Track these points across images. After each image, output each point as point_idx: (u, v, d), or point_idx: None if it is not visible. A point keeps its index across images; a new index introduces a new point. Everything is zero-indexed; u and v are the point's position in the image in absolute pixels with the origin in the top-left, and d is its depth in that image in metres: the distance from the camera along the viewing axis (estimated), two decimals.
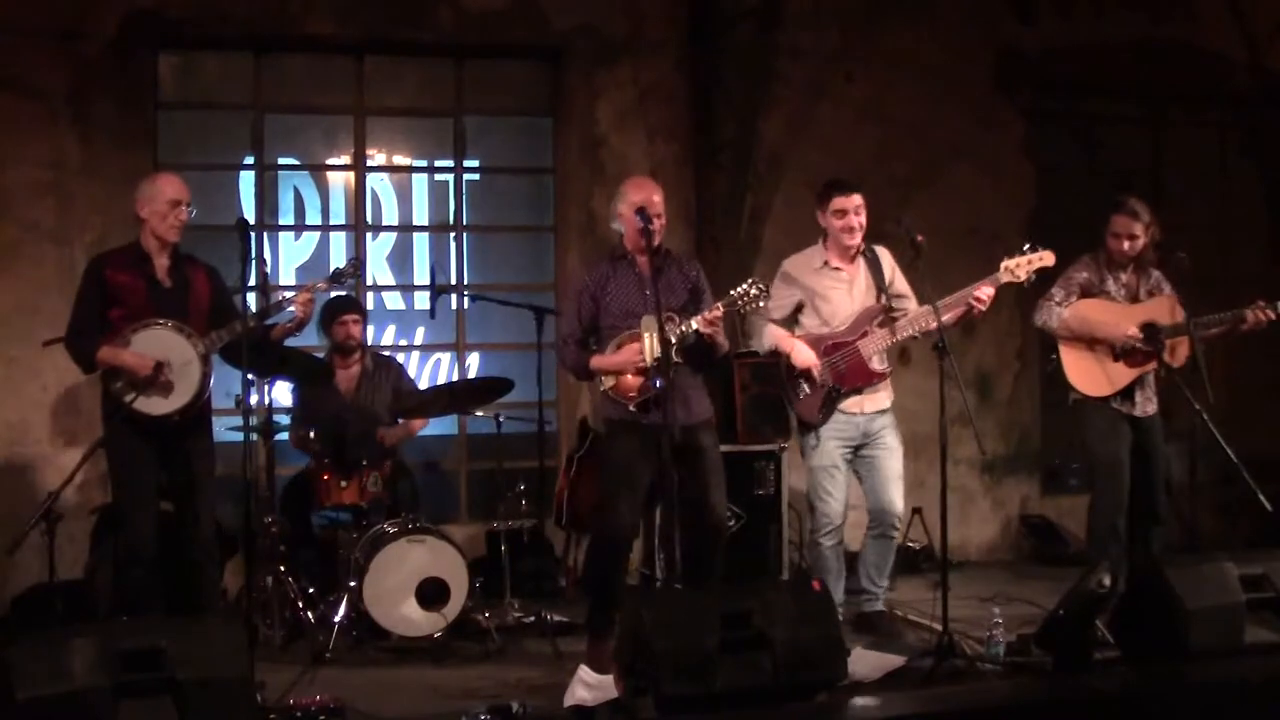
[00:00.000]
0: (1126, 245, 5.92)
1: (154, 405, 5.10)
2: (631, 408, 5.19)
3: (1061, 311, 5.93)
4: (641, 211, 5.14)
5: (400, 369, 6.79)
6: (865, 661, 4.98)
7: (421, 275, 7.77)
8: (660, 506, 6.01)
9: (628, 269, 5.31)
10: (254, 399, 5.65)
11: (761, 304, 5.22)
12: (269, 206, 7.52)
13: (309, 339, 6.47)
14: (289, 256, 7.67)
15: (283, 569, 5.87)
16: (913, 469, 5.95)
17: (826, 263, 5.80)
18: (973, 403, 7.09)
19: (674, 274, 5.33)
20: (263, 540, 5.84)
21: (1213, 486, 7.36)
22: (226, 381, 5.51)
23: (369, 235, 7.71)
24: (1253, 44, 8.46)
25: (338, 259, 7.49)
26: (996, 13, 8.18)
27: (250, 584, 5.10)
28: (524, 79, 7.95)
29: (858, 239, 5.75)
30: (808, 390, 5.73)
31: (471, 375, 7.67)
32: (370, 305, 7.37)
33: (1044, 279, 5.86)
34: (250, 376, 5.10)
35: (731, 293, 5.13)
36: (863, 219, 5.73)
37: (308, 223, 7.70)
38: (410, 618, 5.63)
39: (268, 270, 5.89)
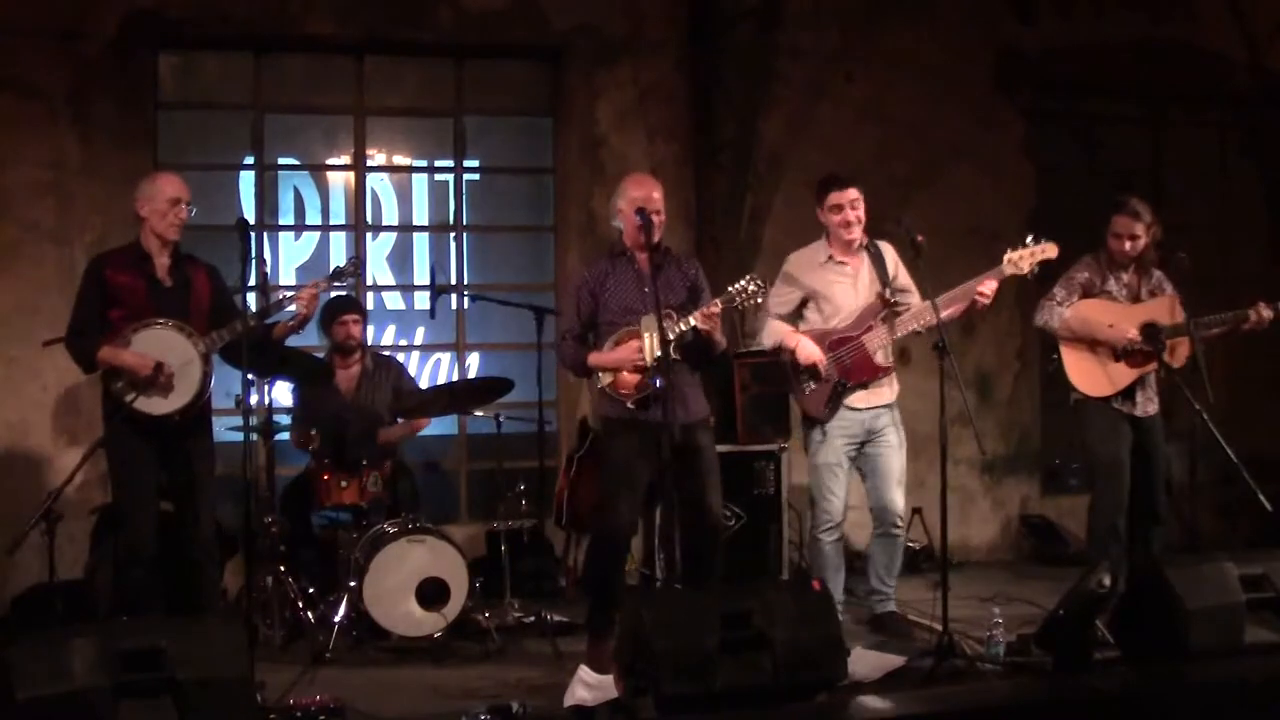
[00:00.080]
0: (1128, 245, 5.92)
1: (154, 405, 5.10)
2: (629, 405, 5.19)
3: (1063, 312, 5.93)
4: (641, 211, 5.15)
5: (400, 369, 6.79)
6: (865, 661, 4.98)
7: (421, 275, 7.77)
8: (660, 506, 6.02)
9: (627, 266, 5.32)
10: (254, 399, 5.65)
11: (760, 300, 5.23)
12: (269, 206, 7.52)
13: (309, 339, 6.48)
14: (289, 256, 7.67)
15: (283, 569, 5.87)
16: (913, 469, 5.95)
17: (831, 257, 5.80)
18: (973, 403, 7.09)
19: (673, 272, 5.33)
20: (263, 540, 5.84)
21: (1213, 486, 7.36)
22: (226, 381, 5.51)
23: (369, 235, 7.71)
24: (1253, 44, 8.46)
25: (338, 259, 7.49)
26: (996, 13, 8.18)
27: (250, 584, 5.09)
28: (524, 79, 7.95)
29: (856, 233, 5.75)
30: (813, 386, 5.73)
31: (471, 375, 7.67)
32: (370, 305, 7.37)
33: (1046, 276, 5.87)
34: (250, 376, 5.11)
35: (730, 289, 5.13)
36: (860, 213, 5.73)
37: (308, 223, 7.70)
38: (410, 618, 5.62)
39: (268, 270, 5.89)
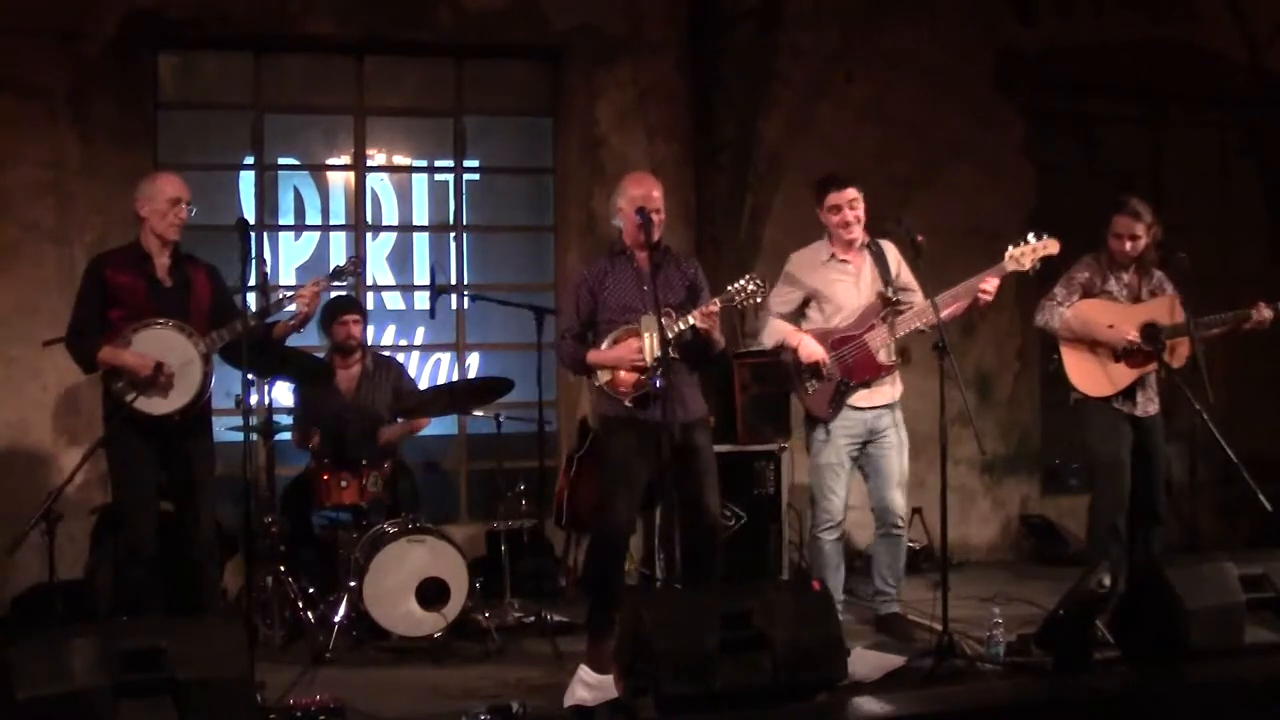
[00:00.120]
0: (1128, 245, 5.91)
1: (155, 405, 5.09)
2: (627, 403, 5.19)
3: (1063, 312, 5.93)
4: (641, 210, 5.15)
5: (400, 369, 6.79)
6: (865, 661, 4.98)
7: (421, 275, 7.77)
8: (660, 506, 6.02)
9: (626, 264, 5.32)
10: (254, 399, 5.65)
11: (759, 300, 5.22)
12: (269, 206, 7.52)
13: (309, 339, 6.48)
14: (289, 256, 7.67)
15: (283, 569, 5.87)
16: (913, 469, 5.95)
17: (833, 255, 5.80)
18: (973, 403, 7.09)
19: (672, 271, 5.33)
20: (263, 540, 5.84)
21: (1213, 486, 7.37)
22: (226, 381, 5.51)
23: (369, 235, 7.71)
24: (1253, 44, 8.46)
25: (338, 259, 7.49)
26: (996, 13, 8.18)
27: (250, 584, 5.09)
28: (524, 79, 7.95)
29: (856, 233, 5.75)
30: (816, 385, 5.73)
31: (471, 375, 7.67)
32: (370, 305, 7.37)
33: (1047, 275, 5.86)
34: (250, 376, 5.10)
35: (729, 288, 5.13)
36: (859, 212, 5.72)
37: (308, 223, 7.70)
38: (410, 618, 5.62)
39: (268, 270, 5.89)
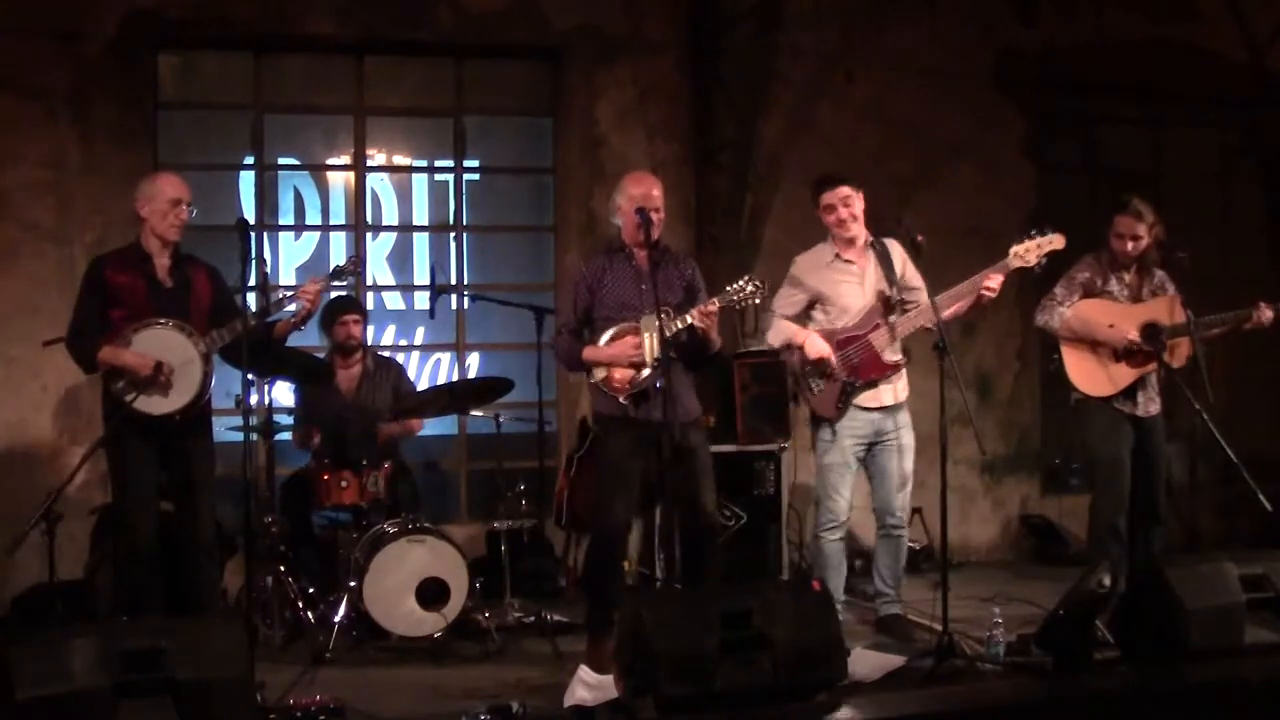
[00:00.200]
0: (1130, 246, 5.91)
1: (155, 405, 5.09)
2: (622, 400, 5.19)
3: (1063, 311, 5.93)
4: (641, 210, 5.15)
5: (401, 370, 6.79)
6: (865, 661, 4.98)
7: (421, 275, 7.77)
8: (660, 506, 6.02)
9: (625, 262, 5.32)
10: (254, 399, 5.65)
11: (757, 301, 5.22)
12: (269, 206, 7.52)
13: (310, 339, 6.48)
14: (289, 256, 7.67)
15: (283, 569, 5.87)
16: (914, 469, 5.95)
17: (837, 255, 5.80)
18: (973, 403, 7.09)
19: (670, 270, 5.33)
20: (263, 540, 5.84)
21: (1213, 486, 7.37)
22: (226, 381, 5.50)
23: (369, 235, 7.71)
24: (1253, 44, 8.46)
25: (338, 259, 7.49)
26: (996, 13, 8.18)
27: (250, 584, 5.08)
28: (524, 79, 7.95)
29: (853, 230, 5.74)
30: (822, 386, 5.73)
31: (471, 375, 7.67)
32: (370, 305, 7.37)
33: (1049, 275, 5.86)
34: (250, 376, 5.10)
35: (728, 289, 5.13)
36: (854, 209, 5.72)
37: (308, 223, 7.71)
38: (410, 618, 5.62)
39: (268, 270, 5.89)
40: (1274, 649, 4.94)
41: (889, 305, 5.71)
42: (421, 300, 7.75)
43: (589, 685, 4.60)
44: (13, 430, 6.78)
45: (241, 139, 7.44)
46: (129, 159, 6.83)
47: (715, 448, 6.20)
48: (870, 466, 5.81)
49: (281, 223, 7.65)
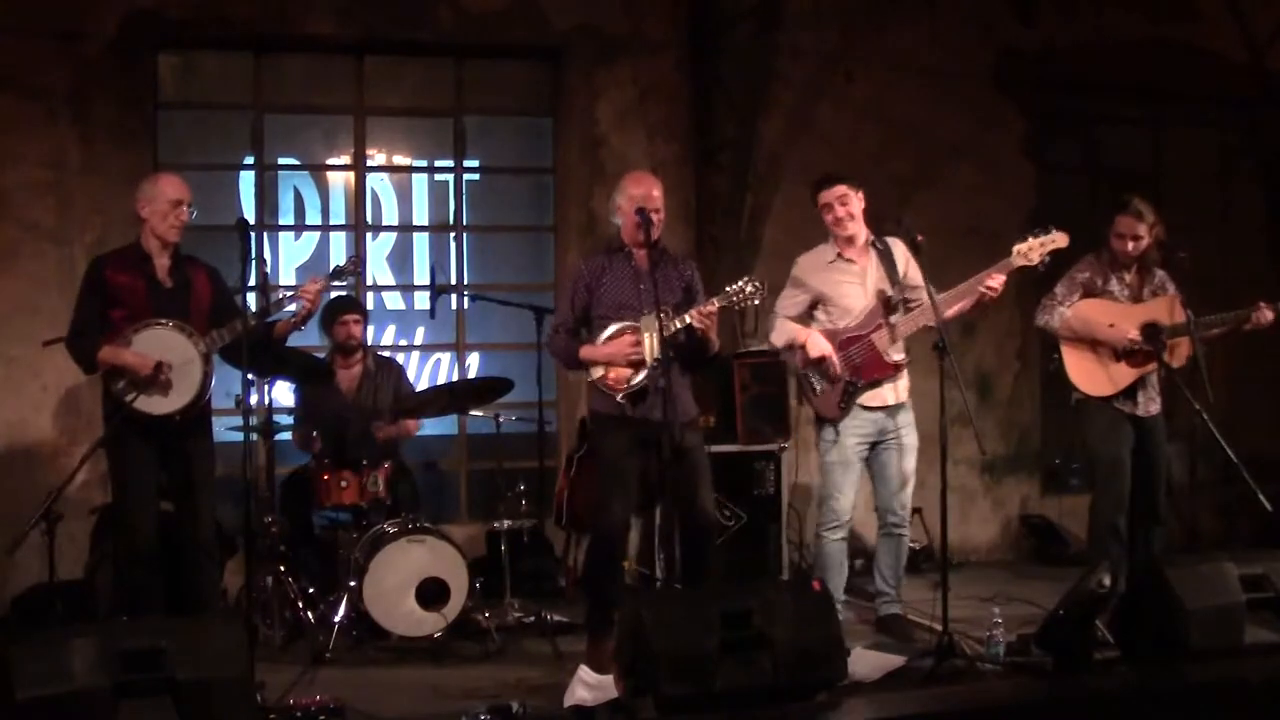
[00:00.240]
0: (1130, 245, 5.91)
1: (155, 405, 5.09)
2: (619, 399, 5.19)
3: (1063, 311, 5.93)
4: (640, 210, 5.14)
5: (401, 371, 6.79)
6: (865, 661, 4.98)
7: (421, 275, 7.77)
8: (660, 506, 6.02)
9: (624, 262, 5.32)
10: (254, 399, 5.65)
11: (757, 302, 5.21)
12: (269, 206, 7.52)
13: (310, 339, 6.48)
14: (289, 256, 7.67)
15: (283, 569, 5.87)
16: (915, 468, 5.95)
17: (839, 255, 5.80)
18: (973, 403, 7.09)
19: (669, 271, 5.33)
20: (263, 540, 5.84)
21: (1213, 486, 7.36)
22: (226, 381, 5.51)
23: (369, 235, 7.71)
24: (1253, 44, 8.46)
25: (338, 259, 7.49)
26: (996, 13, 8.18)
27: (250, 584, 5.08)
28: (524, 79, 7.95)
29: (850, 229, 5.74)
30: (826, 386, 5.72)
31: (471, 375, 7.67)
32: (370, 305, 7.37)
33: (1050, 275, 5.86)
34: (250, 376, 5.10)
35: (727, 289, 5.13)
36: (851, 208, 5.71)
37: (308, 223, 7.71)
38: (410, 618, 5.62)
39: (268, 270, 5.88)
40: (1274, 649, 4.94)
41: (889, 305, 5.70)
42: (421, 300, 7.75)
43: (589, 685, 4.60)
44: (13, 430, 6.78)
45: (241, 139, 7.44)
46: (129, 159, 6.84)
47: (715, 448, 6.23)
48: (873, 466, 5.81)
49: (281, 223, 7.65)
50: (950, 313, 5.56)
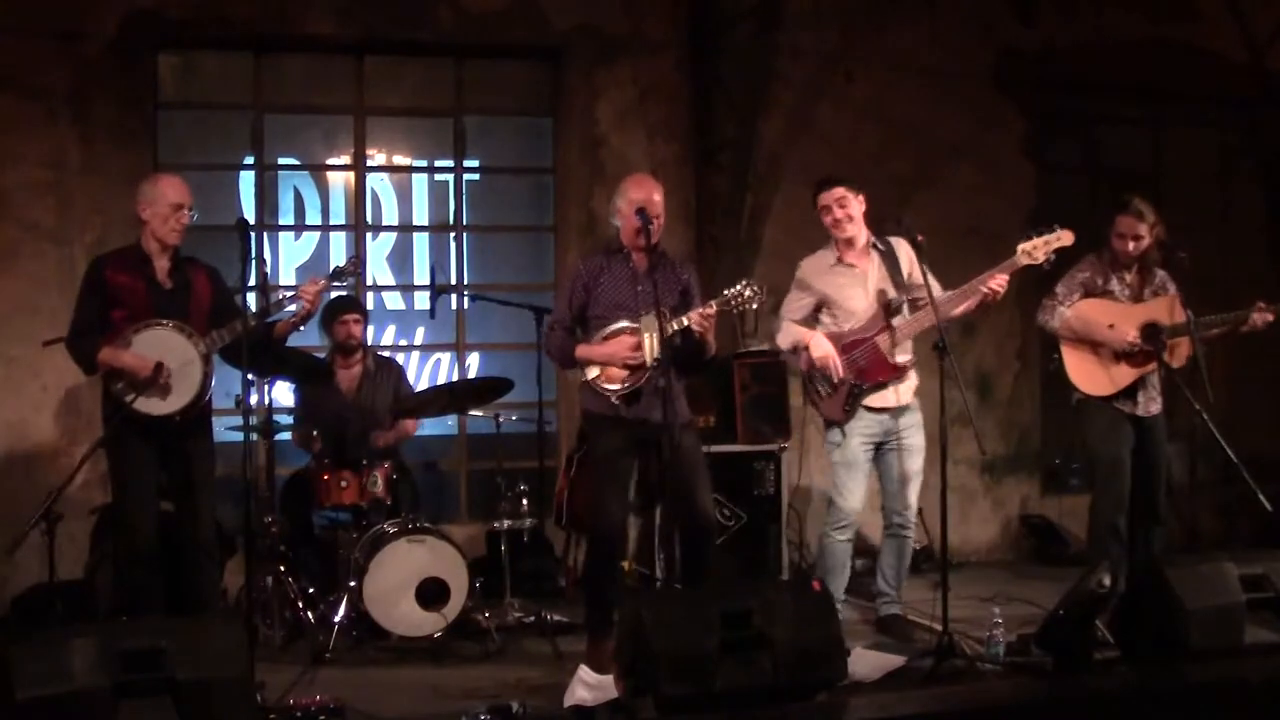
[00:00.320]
0: (1131, 246, 5.91)
1: (155, 405, 5.09)
2: (614, 400, 5.19)
3: (1064, 311, 5.93)
4: (641, 211, 5.14)
5: (401, 371, 6.80)
6: (865, 661, 4.98)
7: (421, 275, 7.77)
8: (660, 506, 6.02)
9: (622, 263, 5.32)
10: (254, 399, 5.65)
11: (755, 306, 5.21)
12: (269, 206, 7.52)
13: (310, 339, 6.48)
14: (289, 256, 7.67)
15: (283, 569, 5.87)
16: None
17: (840, 259, 5.79)
18: (973, 403, 7.09)
19: (667, 274, 5.32)
20: (263, 540, 5.84)
21: (1213, 486, 7.36)
22: (226, 381, 5.51)
23: (369, 235, 7.71)
24: (1253, 44, 8.46)
25: (338, 259, 7.50)
26: (996, 13, 8.18)
27: (250, 584, 5.08)
28: (524, 79, 7.95)
29: (849, 231, 5.73)
30: (830, 389, 5.72)
31: (471, 375, 7.67)
32: (370, 305, 7.36)
33: (1050, 275, 5.86)
34: (250, 376, 5.10)
35: (725, 292, 5.12)
36: (849, 210, 5.70)
37: (308, 223, 7.71)
38: (410, 618, 5.62)
39: (268, 270, 5.89)
40: (1274, 649, 4.94)
41: (890, 307, 5.69)
42: (421, 300, 7.75)
43: (589, 685, 4.60)
44: (13, 430, 6.78)
45: (241, 139, 7.44)
46: (129, 159, 6.84)
47: (715, 448, 6.23)
48: (880, 466, 5.80)
49: (281, 223, 7.65)
50: (955, 313, 5.56)
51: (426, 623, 5.62)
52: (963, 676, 4.92)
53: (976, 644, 5.20)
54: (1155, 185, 8.39)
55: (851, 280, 5.77)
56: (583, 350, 5.27)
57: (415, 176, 7.87)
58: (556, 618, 5.94)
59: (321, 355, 6.62)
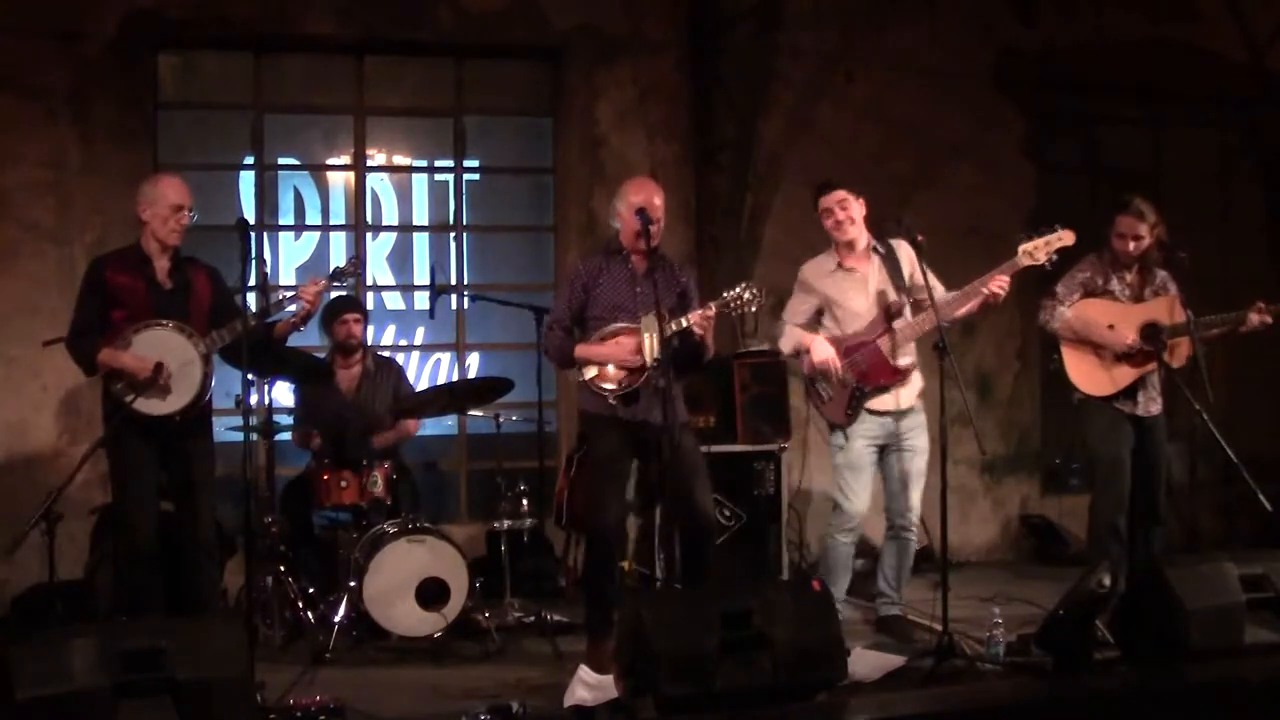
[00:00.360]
0: (1131, 246, 5.90)
1: (154, 406, 5.09)
2: (611, 400, 5.19)
3: (1064, 311, 5.93)
4: (641, 212, 5.14)
5: (401, 371, 6.79)
6: (865, 661, 4.98)
7: (421, 275, 7.77)
8: (660, 507, 6.02)
9: (621, 265, 5.32)
10: (254, 399, 5.65)
11: (754, 309, 5.21)
12: (269, 206, 7.52)
13: (310, 339, 6.48)
14: (289, 256, 7.67)
15: (283, 569, 5.87)
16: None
17: (840, 264, 5.79)
18: (973, 403, 7.09)
19: (665, 276, 5.32)
20: (263, 540, 5.84)
21: (1213, 486, 7.36)
22: (226, 381, 5.51)
23: (369, 235, 7.71)
24: (1253, 44, 8.46)
25: (338, 259, 7.50)
26: (996, 13, 8.18)
27: (250, 584, 5.08)
28: (524, 79, 7.95)
29: (850, 233, 5.73)
30: (831, 393, 5.72)
31: (471, 375, 7.67)
32: (370, 305, 7.36)
33: (1051, 275, 5.86)
34: (250, 376, 5.10)
35: (725, 295, 5.13)
36: (851, 212, 5.70)
37: (308, 223, 7.71)
38: (410, 618, 5.62)
39: (268, 270, 5.89)
40: (1274, 649, 4.94)
41: (891, 311, 5.69)
42: (421, 300, 7.75)
43: (589, 685, 4.60)
44: (13, 430, 6.79)
45: (241, 139, 7.44)
46: (129, 159, 6.84)
47: (715, 448, 6.23)
48: (883, 468, 5.80)
49: (281, 223, 7.65)
50: (957, 315, 5.56)
51: (426, 623, 5.62)
52: (963, 676, 4.92)
53: (976, 644, 5.20)
54: (1155, 185, 8.39)
55: (852, 284, 5.77)
56: (581, 350, 5.27)
57: (415, 176, 7.87)
58: (556, 618, 5.94)
59: (321, 355, 6.62)
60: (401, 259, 7.84)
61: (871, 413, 5.70)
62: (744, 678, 4.33)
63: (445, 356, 7.85)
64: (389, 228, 7.83)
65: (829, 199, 5.72)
